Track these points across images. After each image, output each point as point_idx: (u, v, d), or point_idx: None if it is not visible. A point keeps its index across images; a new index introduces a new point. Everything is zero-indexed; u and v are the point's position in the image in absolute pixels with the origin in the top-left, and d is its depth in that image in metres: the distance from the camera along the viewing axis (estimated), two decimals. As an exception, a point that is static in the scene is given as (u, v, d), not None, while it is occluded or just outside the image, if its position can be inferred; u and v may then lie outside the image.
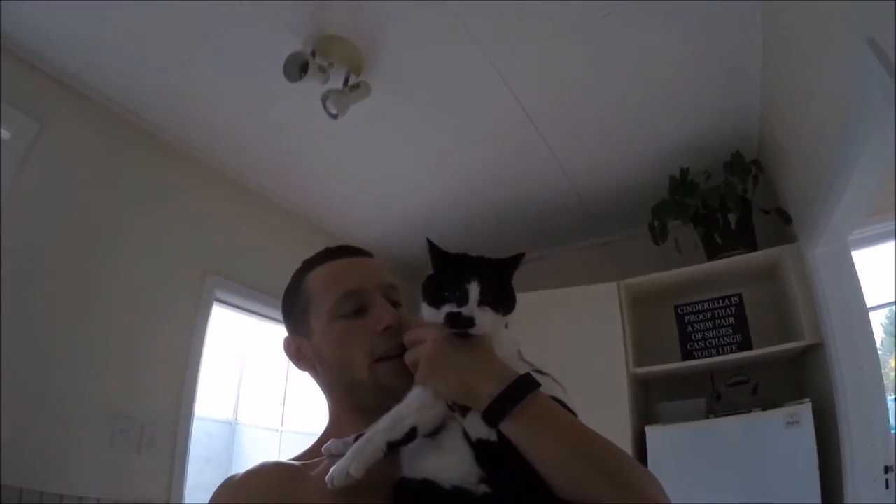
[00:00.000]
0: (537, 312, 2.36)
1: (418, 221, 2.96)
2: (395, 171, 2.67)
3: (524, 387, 0.64)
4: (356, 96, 1.97)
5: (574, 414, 0.68)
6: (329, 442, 0.72)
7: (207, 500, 0.68)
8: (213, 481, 0.70)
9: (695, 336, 2.47)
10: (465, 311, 0.67)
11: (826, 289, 2.05)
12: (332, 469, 0.60)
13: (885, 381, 2.07)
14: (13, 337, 1.70)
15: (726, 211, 2.40)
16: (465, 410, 0.65)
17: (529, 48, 1.97)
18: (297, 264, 0.88)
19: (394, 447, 0.63)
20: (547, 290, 2.56)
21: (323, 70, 1.87)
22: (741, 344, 2.36)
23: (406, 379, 0.71)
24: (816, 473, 1.92)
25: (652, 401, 2.67)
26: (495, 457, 0.62)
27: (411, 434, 0.63)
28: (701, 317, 2.48)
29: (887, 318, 2.41)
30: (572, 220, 3.04)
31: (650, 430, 2.27)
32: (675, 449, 2.24)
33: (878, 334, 2.32)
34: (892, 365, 2.45)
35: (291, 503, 0.65)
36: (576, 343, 2.47)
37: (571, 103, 2.26)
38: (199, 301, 2.32)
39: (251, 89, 2.12)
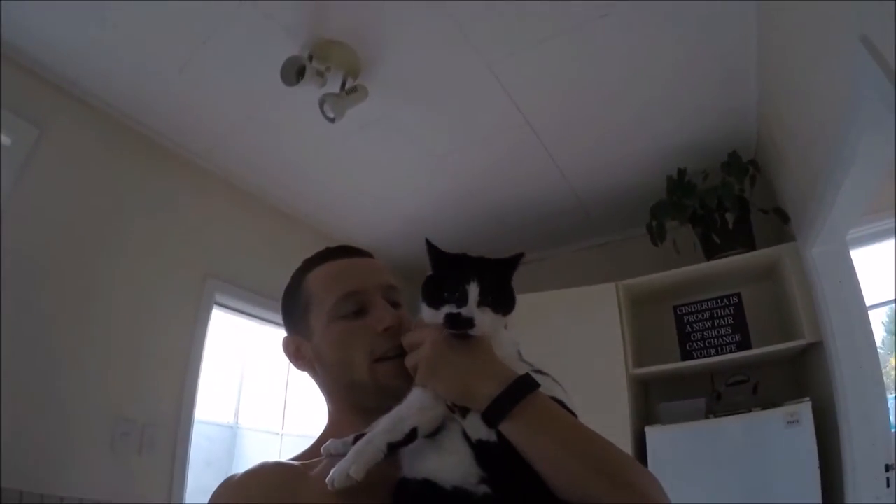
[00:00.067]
0: (536, 313, 2.37)
1: (417, 223, 2.96)
2: (393, 173, 2.67)
3: (524, 387, 0.64)
4: (353, 100, 1.98)
5: (574, 414, 0.68)
6: (328, 442, 0.72)
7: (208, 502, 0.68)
8: (214, 485, 0.70)
9: (694, 336, 2.47)
10: (464, 311, 0.67)
11: (825, 287, 2.05)
12: (332, 471, 0.61)
13: (886, 380, 2.07)
14: (14, 340, 1.71)
15: (724, 211, 2.41)
16: (464, 411, 0.65)
17: (526, 50, 1.98)
18: (296, 267, 0.88)
19: (394, 448, 0.63)
20: (546, 291, 2.57)
21: (320, 74, 1.88)
22: (740, 344, 2.36)
23: (406, 379, 0.71)
24: (817, 472, 1.91)
25: (652, 401, 2.67)
26: (495, 457, 0.62)
27: (412, 435, 0.63)
28: (700, 317, 2.48)
29: (888, 316, 2.41)
30: (571, 222, 3.05)
31: (650, 431, 2.27)
32: (675, 449, 2.24)
33: (879, 333, 2.32)
34: (893, 363, 2.45)
35: (291, 503, 0.65)
36: (575, 344, 2.47)
37: (569, 105, 2.27)
38: (200, 304, 2.32)
39: (250, 94, 2.12)
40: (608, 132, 2.44)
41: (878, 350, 2.17)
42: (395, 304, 0.81)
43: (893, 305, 2.38)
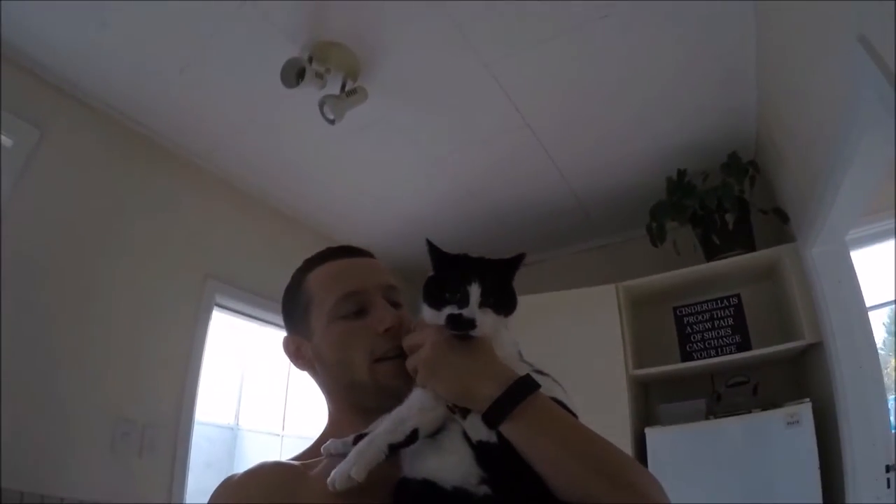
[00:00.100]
0: (536, 315, 2.36)
1: (417, 224, 2.96)
2: (393, 174, 2.68)
3: (524, 388, 0.64)
4: (353, 102, 1.98)
5: (574, 415, 0.68)
6: (328, 442, 0.72)
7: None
8: (214, 486, 0.70)
9: (694, 337, 2.47)
10: (466, 312, 0.66)
11: (825, 288, 2.05)
12: (333, 472, 0.61)
13: (887, 381, 2.07)
14: (15, 341, 1.71)
15: (724, 212, 2.41)
16: (465, 412, 0.65)
17: (525, 51, 1.98)
18: (297, 268, 0.88)
19: (395, 449, 0.63)
20: (545, 292, 2.57)
21: (320, 76, 1.88)
22: (740, 344, 2.36)
23: (406, 379, 0.71)
24: (817, 473, 1.91)
25: (652, 402, 2.67)
26: (495, 458, 0.62)
27: (413, 436, 0.63)
28: (700, 318, 2.48)
29: (889, 317, 2.40)
30: (570, 223, 3.05)
31: (650, 432, 2.27)
32: (675, 450, 2.24)
33: (880, 334, 2.32)
34: (894, 364, 2.45)
35: (291, 503, 0.65)
36: (575, 345, 2.47)
37: (568, 106, 2.27)
38: (200, 305, 2.33)
39: (250, 95, 2.13)
40: (607, 133, 2.44)
41: (879, 351, 2.17)
42: (395, 305, 0.81)
43: (894, 306, 2.38)
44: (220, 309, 2.48)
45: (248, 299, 2.54)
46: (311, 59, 1.88)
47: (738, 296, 2.46)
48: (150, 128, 2.27)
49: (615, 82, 2.16)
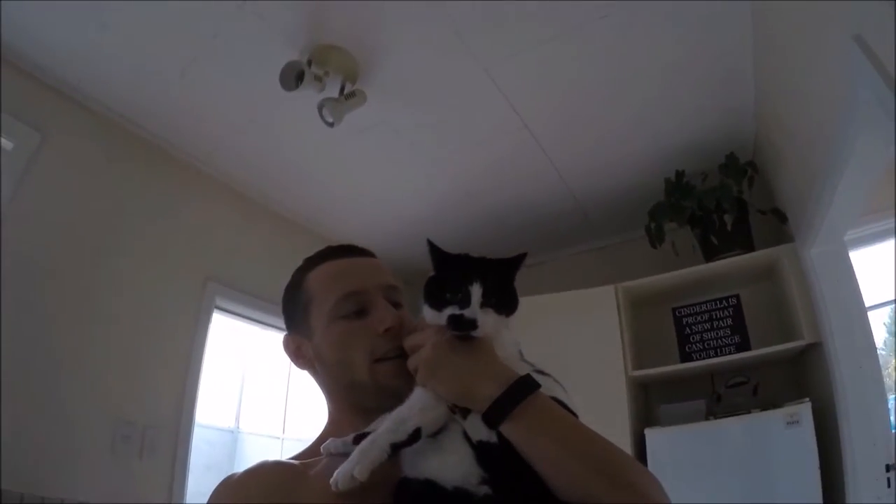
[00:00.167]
0: (535, 316, 2.36)
1: (416, 227, 2.97)
2: (392, 177, 2.68)
3: (524, 388, 0.64)
4: (352, 104, 1.99)
5: (575, 414, 0.68)
6: (328, 441, 0.72)
7: (208, 506, 0.68)
8: (215, 489, 0.70)
9: (693, 338, 2.47)
10: (467, 313, 0.66)
11: (824, 288, 2.05)
12: (336, 472, 0.60)
13: (888, 381, 2.07)
14: (16, 343, 1.71)
15: (722, 212, 2.41)
16: (465, 412, 0.65)
17: (523, 53, 1.99)
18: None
19: (398, 449, 0.63)
20: (544, 294, 2.57)
21: (319, 79, 1.89)
22: (739, 345, 2.36)
23: (406, 379, 0.71)
24: (817, 473, 1.91)
25: (651, 403, 2.66)
26: (496, 458, 0.62)
27: (415, 435, 0.63)
28: (699, 318, 2.48)
29: (889, 317, 2.40)
30: (569, 224, 3.05)
31: (650, 433, 2.27)
32: (675, 451, 2.24)
33: (881, 334, 2.32)
34: (895, 365, 2.44)
35: (291, 502, 0.65)
36: (574, 347, 2.47)
37: (566, 107, 2.28)
38: (200, 308, 2.33)
39: (250, 98, 2.14)
40: (606, 134, 2.45)
41: (880, 351, 2.17)
42: (396, 305, 0.81)
43: (894, 306, 2.37)
44: (220, 311, 2.48)
45: (249, 302, 2.54)
46: (310, 63, 1.89)
47: (737, 296, 2.46)
48: (150, 130, 2.27)
49: (613, 83, 2.17)
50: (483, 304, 0.67)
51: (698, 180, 2.49)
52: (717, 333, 2.43)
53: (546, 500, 0.60)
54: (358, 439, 0.66)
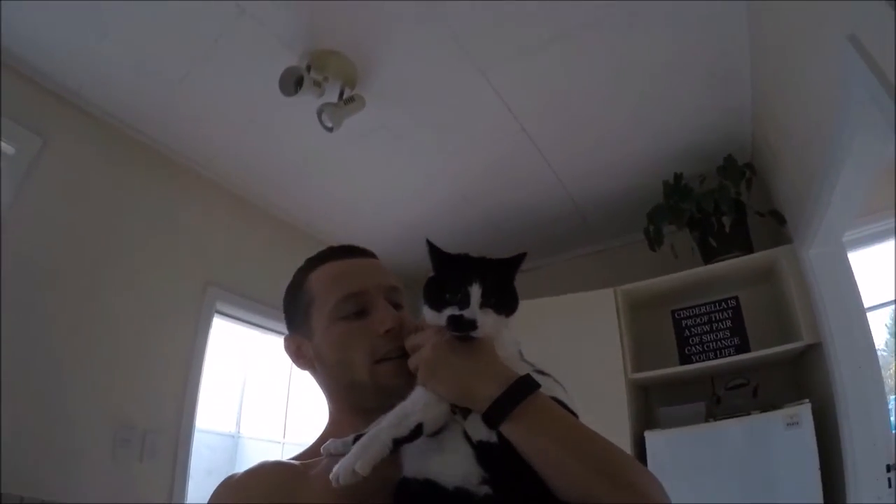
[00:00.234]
0: (535, 320, 2.37)
1: (415, 230, 2.97)
2: (392, 181, 2.69)
3: (524, 388, 0.64)
4: (351, 109, 2.00)
5: (575, 415, 0.68)
6: (328, 441, 0.72)
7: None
8: (216, 493, 0.69)
9: (693, 340, 2.47)
10: (467, 313, 0.66)
11: (823, 289, 2.05)
12: (336, 467, 0.60)
13: (889, 382, 2.07)
14: (17, 347, 1.72)
15: (721, 214, 2.41)
16: (465, 412, 0.65)
17: (520, 57, 2.00)
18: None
19: (400, 444, 0.62)
20: (544, 297, 2.57)
21: (318, 84, 1.90)
22: (739, 347, 2.36)
23: (407, 378, 0.71)
24: (818, 474, 1.91)
25: (651, 406, 2.66)
26: (496, 458, 0.62)
27: (417, 431, 0.63)
28: (698, 321, 2.48)
29: (890, 317, 2.39)
30: (568, 227, 3.06)
31: (650, 435, 2.27)
32: (675, 453, 2.24)
33: (882, 335, 2.31)
34: (895, 366, 2.44)
35: (291, 503, 0.65)
36: (573, 350, 2.46)
37: (564, 110, 2.28)
38: (201, 312, 2.33)
39: (249, 103, 2.15)
40: (603, 137, 2.45)
41: (881, 352, 2.17)
42: (396, 306, 0.81)
43: (894, 307, 2.37)
44: (220, 316, 2.48)
45: (249, 306, 2.54)
46: (309, 68, 1.90)
47: (736, 298, 2.46)
48: (151, 135, 2.28)
49: (610, 86, 2.17)
50: (483, 305, 0.67)
51: (696, 183, 2.50)
52: (717, 335, 2.43)
53: (546, 500, 0.60)
54: (358, 440, 0.66)
